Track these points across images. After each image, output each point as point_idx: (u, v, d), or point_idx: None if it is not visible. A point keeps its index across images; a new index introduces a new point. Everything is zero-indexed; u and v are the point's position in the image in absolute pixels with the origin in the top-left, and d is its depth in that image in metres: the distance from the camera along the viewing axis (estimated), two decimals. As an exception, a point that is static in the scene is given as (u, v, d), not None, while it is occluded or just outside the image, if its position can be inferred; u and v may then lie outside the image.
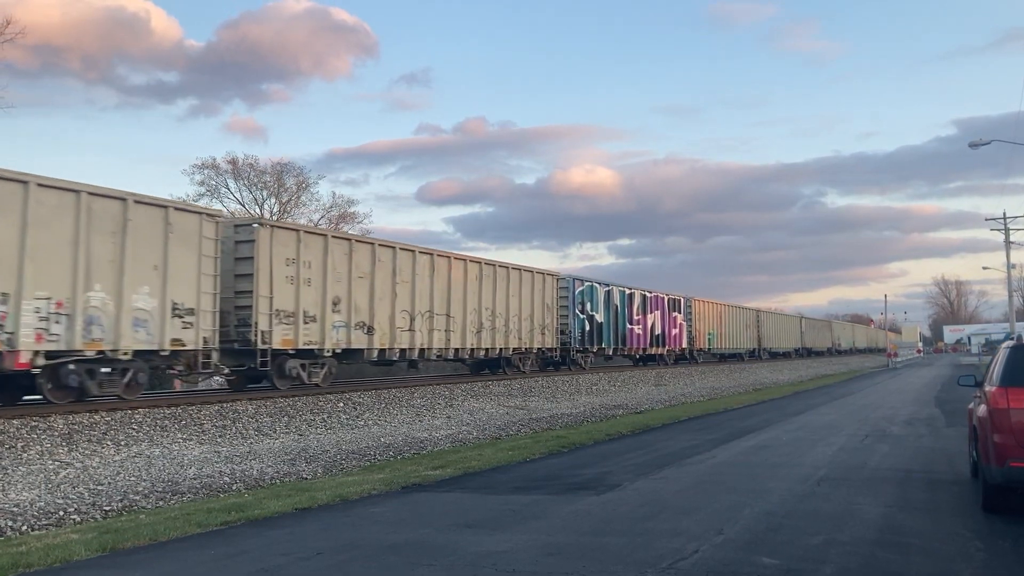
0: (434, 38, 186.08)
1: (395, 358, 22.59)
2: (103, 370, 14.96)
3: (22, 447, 11.78)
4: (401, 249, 22.77)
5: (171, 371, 18.40)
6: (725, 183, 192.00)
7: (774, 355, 60.74)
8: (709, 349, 47.18)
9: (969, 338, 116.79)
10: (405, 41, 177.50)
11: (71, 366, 14.33)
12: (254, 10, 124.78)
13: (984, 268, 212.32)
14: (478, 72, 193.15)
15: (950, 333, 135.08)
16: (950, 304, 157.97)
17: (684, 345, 43.53)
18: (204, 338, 16.63)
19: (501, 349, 27.32)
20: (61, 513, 8.99)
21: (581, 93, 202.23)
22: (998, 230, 51.16)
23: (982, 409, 8.51)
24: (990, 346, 70.37)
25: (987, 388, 8.60)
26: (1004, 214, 50.74)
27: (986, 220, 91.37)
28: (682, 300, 43.74)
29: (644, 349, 38.94)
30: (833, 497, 8.98)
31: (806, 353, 69.68)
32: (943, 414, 19.79)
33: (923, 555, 6.53)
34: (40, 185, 13.77)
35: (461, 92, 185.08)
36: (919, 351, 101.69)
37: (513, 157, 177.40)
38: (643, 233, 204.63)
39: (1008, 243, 50.35)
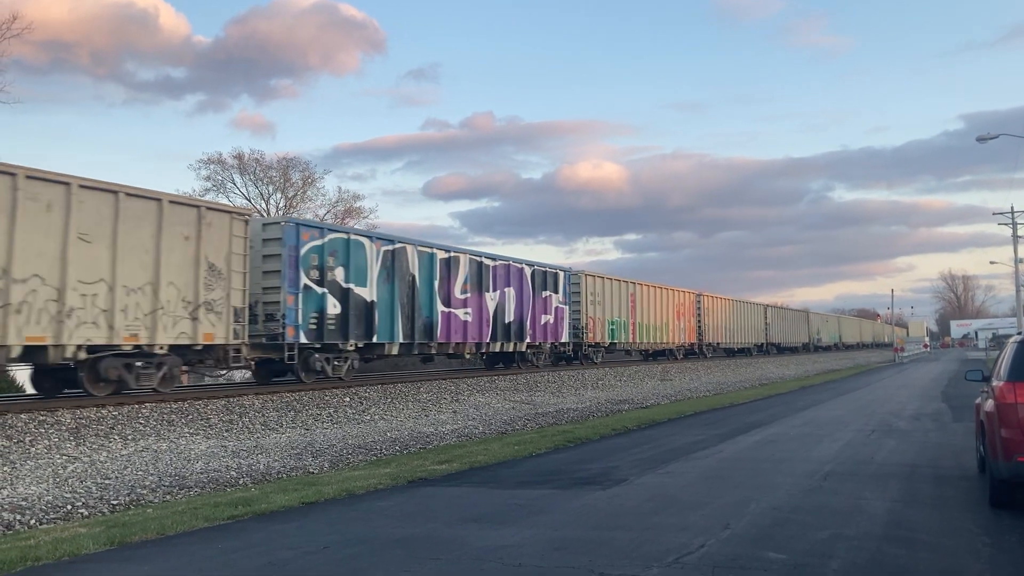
0: (442, 33, 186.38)
1: None
2: None
3: (30, 441, 11.83)
4: None
5: None
6: (732, 178, 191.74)
7: (730, 353, 50.77)
8: (613, 344, 35.06)
9: (976, 333, 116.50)
10: (413, 36, 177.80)
11: None
12: (263, 6, 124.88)
13: (991, 263, 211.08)
14: (486, 67, 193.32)
15: (957, 328, 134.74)
16: (957, 299, 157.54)
17: (564, 339, 30.73)
18: None
19: (48, 347, 13.70)
20: (69, 507, 9.03)
21: (588, 88, 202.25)
22: (1006, 224, 50.90)
23: (989, 404, 8.48)
24: (997, 341, 70.19)
25: (995, 383, 8.57)
26: (1012, 208, 50.50)
27: (994, 214, 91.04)
28: (561, 275, 30.76)
29: (484, 345, 25.94)
30: (840, 492, 8.96)
31: (775, 350, 59.32)
32: (950, 409, 19.74)
33: (930, 550, 6.51)
34: None
35: (468, 87, 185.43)
36: (926, 346, 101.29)
37: (520, 152, 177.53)
38: (650, 228, 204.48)
39: (1016, 237, 50.12)
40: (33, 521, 8.45)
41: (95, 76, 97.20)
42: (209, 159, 49.05)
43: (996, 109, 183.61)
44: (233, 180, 49.83)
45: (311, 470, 11.58)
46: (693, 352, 44.82)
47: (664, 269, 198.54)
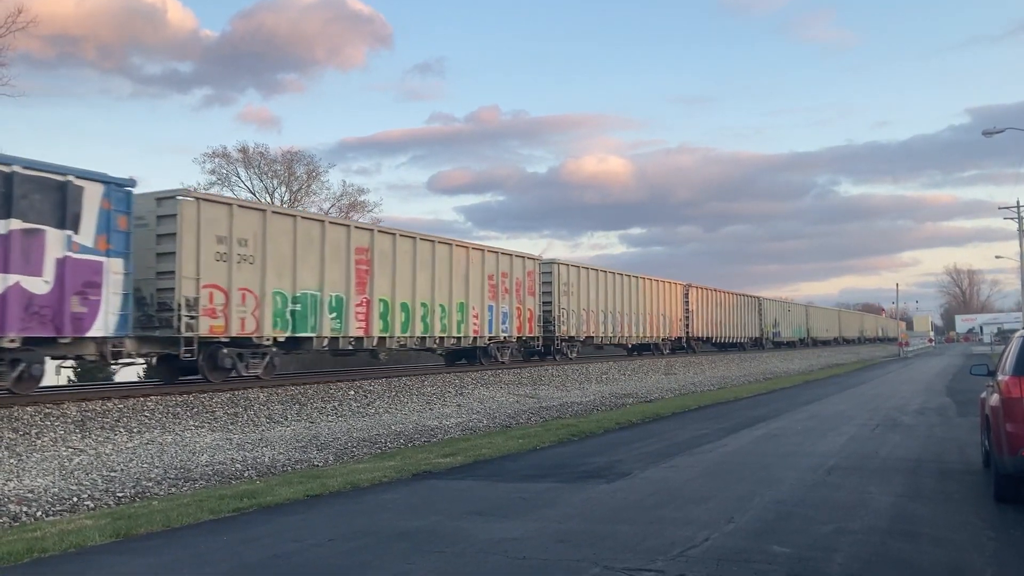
0: (448, 27, 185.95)
1: None
2: None
3: (36, 434, 11.87)
4: None
5: None
6: (738, 172, 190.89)
7: (632, 350, 37.14)
8: (302, 338, 19.14)
9: (981, 327, 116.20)
10: (419, 30, 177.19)
11: None
12: (269, 0, 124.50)
13: (997, 257, 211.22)
14: (492, 61, 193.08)
15: (962, 323, 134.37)
16: (962, 293, 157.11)
17: (102, 330, 14.23)
18: None
19: None
20: (75, 499, 9.07)
21: (595, 82, 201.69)
22: (1011, 219, 50.84)
23: (994, 398, 8.47)
24: (1002, 335, 70.03)
25: (1000, 377, 8.56)
26: (1017, 203, 50.38)
27: (999, 209, 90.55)
28: (85, 189, 14.22)
29: None
30: (844, 486, 8.97)
31: (709, 347, 45.76)
32: (954, 404, 19.72)
33: (934, 544, 6.51)
34: None
35: (474, 81, 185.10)
36: (930, 340, 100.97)
37: (525, 146, 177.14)
38: (655, 222, 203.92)
39: (1021, 231, 49.98)
40: (39, 513, 8.49)
41: (102, 70, 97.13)
42: (214, 153, 49.11)
43: (1002, 103, 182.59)
44: (238, 174, 49.93)
45: (316, 463, 11.61)
46: (535, 351, 29.96)
47: (669, 263, 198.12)
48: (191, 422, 13.92)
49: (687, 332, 41.56)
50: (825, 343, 70.16)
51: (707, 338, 44.39)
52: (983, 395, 9.95)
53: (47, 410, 13.01)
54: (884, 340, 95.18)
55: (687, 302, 41.53)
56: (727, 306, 47.21)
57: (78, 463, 10.83)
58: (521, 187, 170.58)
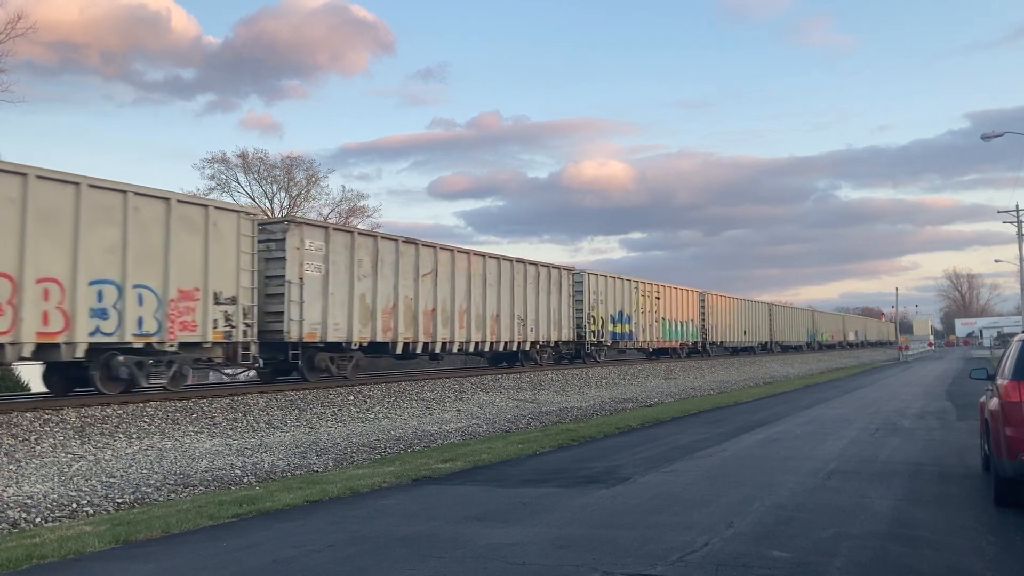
0: (451, 33, 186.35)
1: None
2: None
3: (35, 440, 11.86)
4: None
5: None
6: (738, 176, 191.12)
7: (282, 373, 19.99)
8: None
9: (981, 331, 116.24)
10: (422, 36, 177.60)
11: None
12: (272, 6, 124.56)
13: (996, 261, 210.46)
14: (493, 67, 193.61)
15: (962, 326, 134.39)
16: (962, 297, 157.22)
17: None
18: None
19: None
20: (74, 505, 9.06)
21: (595, 87, 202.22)
22: (1011, 223, 50.86)
23: (994, 402, 8.47)
24: (1002, 339, 69.94)
25: (999, 381, 8.56)
26: (1016, 207, 50.43)
27: (999, 212, 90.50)
28: None
29: None
30: (844, 490, 8.96)
31: (462, 358, 28.78)
32: (954, 407, 19.71)
33: (934, 549, 6.51)
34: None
35: (476, 87, 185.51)
36: (931, 344, 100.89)
37: (526, 151, 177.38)
38: (655, 227, 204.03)
39: (1020, 235, 50.01)
40: (39, 519, 8.47)
41: (105, 76, 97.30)
42: (213, 158, 49.24)
43: (1001, 108, 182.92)
44: (237, 179, 50.01)
45: (315, 469, 11.60)
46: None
47: (669, 267, 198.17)
48: (190, 428, 13.90)
49: (481, 338, 24.71)
50: (748, 350, 50.82)
51: (483, 344, 25.12)
52: (983, 399, 9.95)
53: (46, 416, 13.00)
54: (862, 346, 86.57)
55: (420, 281, 22.14)
56: (514, 283, 26.48)
57: (77, 469, 10.82)
58: (521, 192, 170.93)
